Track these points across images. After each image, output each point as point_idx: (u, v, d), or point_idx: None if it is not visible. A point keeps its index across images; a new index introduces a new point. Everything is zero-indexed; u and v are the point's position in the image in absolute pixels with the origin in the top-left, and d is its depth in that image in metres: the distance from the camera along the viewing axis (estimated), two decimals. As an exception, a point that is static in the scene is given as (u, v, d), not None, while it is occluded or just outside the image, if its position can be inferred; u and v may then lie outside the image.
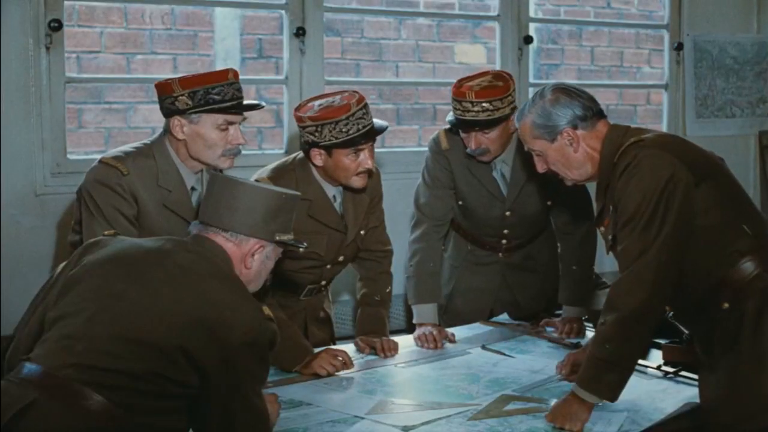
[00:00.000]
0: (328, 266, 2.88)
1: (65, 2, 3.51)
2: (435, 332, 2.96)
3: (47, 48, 3.45)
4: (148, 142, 2.67)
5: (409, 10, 4.42)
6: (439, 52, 4.51)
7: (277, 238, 2.08)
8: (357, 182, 2.75)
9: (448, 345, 2.97)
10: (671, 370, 2.61)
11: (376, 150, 2.82)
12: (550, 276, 3.33)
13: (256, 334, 1.90)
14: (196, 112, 2.56)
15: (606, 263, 3.55)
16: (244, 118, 2.65)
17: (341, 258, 2.90)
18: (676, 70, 4.97)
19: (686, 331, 2.55)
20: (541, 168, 2.45)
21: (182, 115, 2.56)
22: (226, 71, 2.60)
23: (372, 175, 2.82)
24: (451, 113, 3.05)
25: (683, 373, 2.59)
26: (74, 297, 1.93)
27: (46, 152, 3.47)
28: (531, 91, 4.54)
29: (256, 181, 2.69)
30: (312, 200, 2.76)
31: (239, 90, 2.62)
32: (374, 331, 2.92)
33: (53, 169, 3.51)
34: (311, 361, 2.63)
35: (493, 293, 3.34)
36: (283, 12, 3.97)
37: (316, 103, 2.73)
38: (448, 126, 3.17)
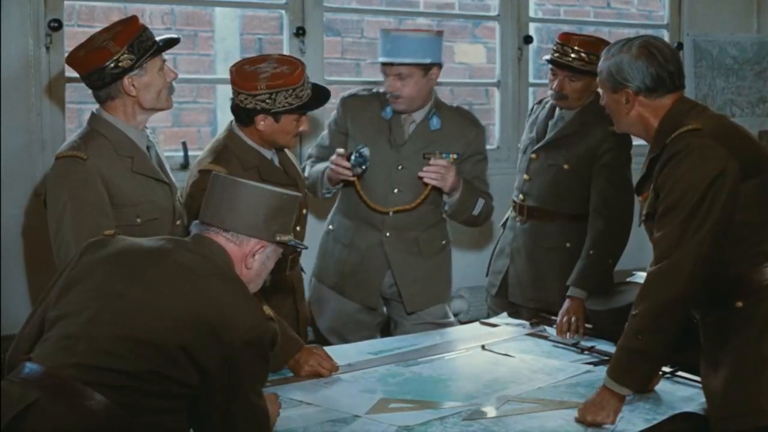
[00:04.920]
0: (298, 228, 2.87)
1: (65, 2, 3.51)
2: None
3: (47, 48, 3.45)
4: (85, 127, 2.65)
5: (409, 10, 4.42)
6: (439, 52, 4.50)
7: (278, 238, 2.08)
8: (292, 142, 2.89)
9: (447, 344, 2.97)
10: (668, 370, 2.61)
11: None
12: (550, 266, 3.36)
13: (257, 334, 1.90)
14: (142, 63, 2.57)
15: (632, 261, 3.52)
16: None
17: (304, 211, 2.93)
18: (675, 69, 4.97)
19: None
20: (603, 102, 2.44)
21: (129, 73, 2.56)
22: (134, 17, 2.62)
23: None
24: (550, 56, 3.32)
25: (680, 373, 2.60)
26: (75, 297, 1.93)
27: (46, 152, 3.47)
28: (531, 91, 4.55)
29: (200, 171, 2.73)
30: (258, 166, 2.80)
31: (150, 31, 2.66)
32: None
33: (53, 168, 3.50)
34: (302, 365, 2.61)
35: (507, 258, 3.45)
36: (283, 12, 3.97)
37: (259, 68, 2.77)
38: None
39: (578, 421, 2.26)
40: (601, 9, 4.95)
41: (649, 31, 5.02)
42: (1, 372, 1.95)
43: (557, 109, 3.40)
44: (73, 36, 3.65)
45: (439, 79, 4.63)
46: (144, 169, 2.61)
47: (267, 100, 2.71)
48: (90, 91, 2.64)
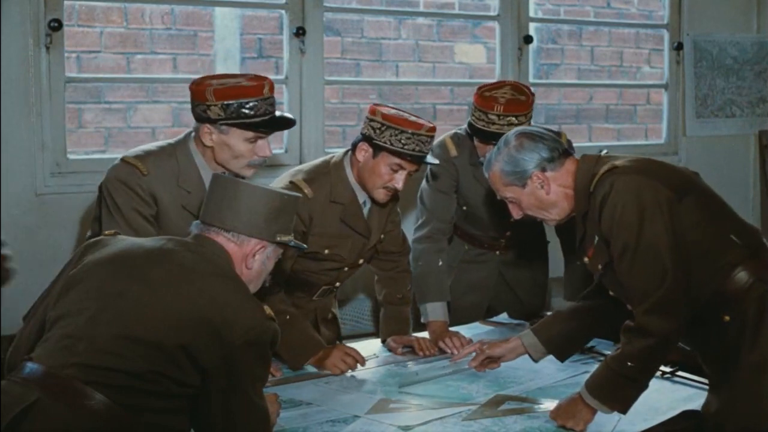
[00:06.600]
0: (346, 269, 2.92)
1: (65, 2, 3.51)
2: (458, 341, 2.92)
3: (47, 48, 3.45)
4: (173, 142, 2.67)
5: (409, 9, 4.42)
6: (439, 52, 4.51)
7: (278, 239, 2.08)
8: (381, 195, 2.78)
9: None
10: (668, 370, 2.61)
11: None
12: (541, 267, 3.43)
13: (257, 334, 1.90)
14: (227, 125, 2.54)
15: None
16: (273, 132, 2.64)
17: (360, 261, 2.94)
18: (676, 69, 4.98)
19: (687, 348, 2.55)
20: (516, 214, 2.42)
21: (213, 124, 2.55)
22: (262, 85, 2.56)
23: (396, 197, 2.88)
24: (471, 121, 3.06)
25: (680, 373, 2.60)
26: (75, 296, 1.93)
27: (46, 152, 3.47)
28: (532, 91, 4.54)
29: (291, 182, 2.72)
30: (345, 204, 2.79)
31: (272, 105, 2.59)
32: (399, 330, 2.97)
33: (53, 169, 3.50)
34: (324, 358, 2.67)
35: (490, 289, 3.40)
36: (283, 12, 3.98)
37: (397, 112, 2.76)
38: (452, 131, 3.25)
39: (552, 418, 2.28)
40: (601, 9, 4.95)
41: (649, 31, 5.03)
42: (1, 372, 1.95)
43: None
44: (73, 36, 3.65)
45: (439, 80, 4.66)
46: (194, 209, 2.57)
47: (376, 129, 2.69)
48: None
